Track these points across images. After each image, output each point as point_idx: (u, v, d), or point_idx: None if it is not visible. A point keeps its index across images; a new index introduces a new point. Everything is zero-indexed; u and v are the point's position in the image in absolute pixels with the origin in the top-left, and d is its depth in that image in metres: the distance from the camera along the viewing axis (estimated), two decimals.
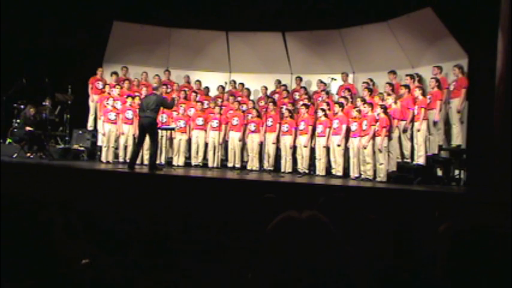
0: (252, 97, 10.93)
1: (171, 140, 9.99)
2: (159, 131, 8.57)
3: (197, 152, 10.07)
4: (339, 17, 10.12)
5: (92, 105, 10.44)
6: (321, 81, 10.16)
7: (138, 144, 8.33)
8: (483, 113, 7.33)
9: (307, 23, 10.44)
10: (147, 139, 8.39)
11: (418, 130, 8.07)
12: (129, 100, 9.71)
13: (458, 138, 8.09)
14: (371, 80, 9.74)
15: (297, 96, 10.55)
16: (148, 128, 7.99)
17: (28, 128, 9.39)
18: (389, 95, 8.66)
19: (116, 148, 9.81)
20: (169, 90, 10.37)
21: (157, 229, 3.28)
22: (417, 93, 8.24)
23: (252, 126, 9.86)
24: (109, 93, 9.91)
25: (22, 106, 9.96)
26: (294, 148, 9.53)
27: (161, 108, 8.27)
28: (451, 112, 8.21)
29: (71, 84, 10.33)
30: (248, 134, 9.93)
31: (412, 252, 2.60)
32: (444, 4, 8.28)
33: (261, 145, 9.77)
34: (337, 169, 8.87)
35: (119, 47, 10.90)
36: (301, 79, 10.77)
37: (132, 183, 6.88)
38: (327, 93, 9.86)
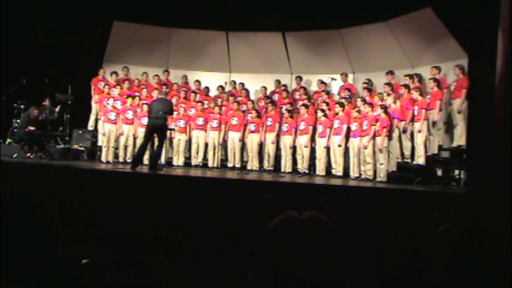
0: (252, 97, 10.94)
1: (171, 140, 9.99)
2: None
3: (197, 152, 10.07)
4: (339, 17, 10.11)
5: (94, 106, 10.42)
6: (321, 81, 10.16)
7: (144, 145, 8.24)
8: (483, 113, 7.32)
9: (307, 23, 10.44)
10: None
11: (419, 131, 8.07)
12: (129, 100, 9.71)
13: (461, 138, 8.07)
14: (369, 80, 9.75)
15: (296, 96, 10.55)
16: (159, 129, 8.06)
17: (29, 128, 9.38)
18: (388, 95, 8.66)
19: (116, 148, 9.81)
20: (168, 89, 10.35)
21: (157, 229, 3.28)
22: (415, 95, 8.24)
23: (251, 127, 9.86)
24: (109, 94, 9.92)
25: (22, 106, 9.95)
26: (294, 148, 9.53)
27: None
28: (454, 112, 8.21)
29: (71, 84, 10.32)
30: (248, 134, 9.93)
31: (412, 253, 2.60)
32: (444, 4, 8.27)
33: (261, 145, 9.77)
34: (337, 169, 8.87)
35: (119, 47, 10.89)
36: (301, 79, 10.76)
37: (132, 183, 6.88)
38: (327, 93, 9.86)
